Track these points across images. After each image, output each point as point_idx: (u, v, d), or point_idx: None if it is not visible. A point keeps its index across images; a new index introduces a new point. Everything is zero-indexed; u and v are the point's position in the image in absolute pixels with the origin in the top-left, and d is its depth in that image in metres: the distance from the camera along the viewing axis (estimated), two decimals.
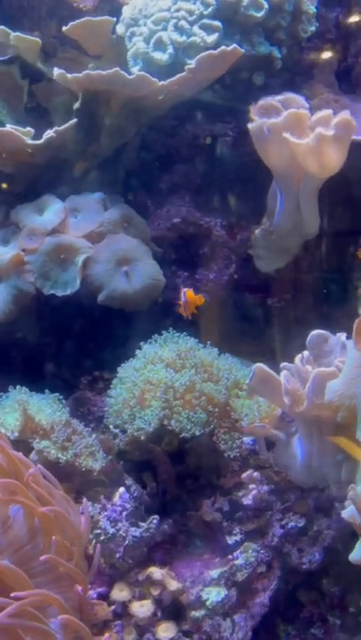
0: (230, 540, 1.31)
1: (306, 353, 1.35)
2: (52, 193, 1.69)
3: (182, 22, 1.51)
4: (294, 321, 1.77)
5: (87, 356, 1.75)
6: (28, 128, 1.64)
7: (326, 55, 1.82)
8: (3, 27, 1.75)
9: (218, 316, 1.78)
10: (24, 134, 1.59)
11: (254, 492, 1.32)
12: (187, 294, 1.39)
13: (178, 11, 1.52)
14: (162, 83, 1.50)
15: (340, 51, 1.87)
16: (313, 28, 1.66)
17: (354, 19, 1.84)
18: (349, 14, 1.83)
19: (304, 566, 1.34)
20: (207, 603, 1.21)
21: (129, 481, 1.40)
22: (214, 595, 1.22)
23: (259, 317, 1.79)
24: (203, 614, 1.21)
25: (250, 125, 1.46)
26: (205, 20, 1.52)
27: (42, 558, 1.02)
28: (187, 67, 1.48)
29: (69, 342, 1.76)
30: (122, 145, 1.74)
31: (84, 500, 1.24)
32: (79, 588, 1.08)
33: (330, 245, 1.74)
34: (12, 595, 0.95)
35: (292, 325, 1.77)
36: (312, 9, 1.64)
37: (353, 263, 1.69)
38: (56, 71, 1.58)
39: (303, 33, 1.64)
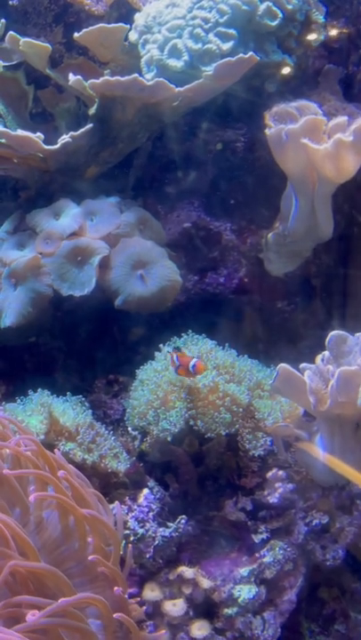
0: (257, 539, 1.32)
1: (326, 353, 1.38)
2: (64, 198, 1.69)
3: (198, 30, 1.54)
4: (304, 324, 1.80)
5: (100, 359, 1.75)
6: (39, 133, 1.64)
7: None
8: (12, 32, 1.75)
9: (229, 319, 1.80)
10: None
11: (281, 490, 1.34)
12: (197, 366, 1.34)
13: (194, 19, 1.54)
14: (178, 89, 1.52)
15: (343, 59, 1.92)
16: (322, 38, 1.70)
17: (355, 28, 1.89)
18: (352, 24, 1.88)
19: (328, 563, 1.36)
20: (239, 600, 1.23)
21: (151, 483, 1.41)
22: (246, 592, 1.23)
23: (268, 320, 1.82)
24: (235, 611, 1.22)
25: (268, 131, 1.49)
26: (221, 28, 1.54)
27: (90, 558, 1.02)
28: (205, 74, 1.50)
29: (82, 345, 1.76)
30: (133, 150, 1.76)
31: (117, 502, 1.24)
32: (119, 588, 1.08)
33: (339, 248, 1.77)
34: (60, 601, 0.94)
35: (301, 328, 1.80)
36: (321, 19, 1.68)
37: None
38: (72, 77, 1.59)
39: (313, 42, 1.69)
